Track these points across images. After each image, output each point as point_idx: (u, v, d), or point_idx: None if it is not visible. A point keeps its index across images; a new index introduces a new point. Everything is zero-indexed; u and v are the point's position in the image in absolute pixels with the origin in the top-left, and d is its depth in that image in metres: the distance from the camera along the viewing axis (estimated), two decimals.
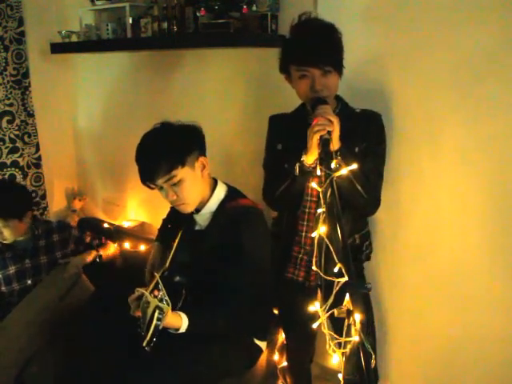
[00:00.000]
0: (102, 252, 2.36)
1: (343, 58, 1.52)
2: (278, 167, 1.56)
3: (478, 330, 1.78)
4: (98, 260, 2.32)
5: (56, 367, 1.85)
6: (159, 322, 1.28)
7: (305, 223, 1.65)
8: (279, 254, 1.71)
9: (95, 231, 2.53)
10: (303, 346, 1.88)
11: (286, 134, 1.63)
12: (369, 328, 1.77)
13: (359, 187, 1.46)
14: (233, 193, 1.69)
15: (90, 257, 2.30)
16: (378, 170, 1.59)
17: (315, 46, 1.45)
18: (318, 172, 1.36)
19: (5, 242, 2.18)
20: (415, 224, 1.86)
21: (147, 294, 1.33)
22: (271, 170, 1.68)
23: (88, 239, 2.41)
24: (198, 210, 1.66)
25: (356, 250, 1.69)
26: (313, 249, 1.53)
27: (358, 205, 1.54)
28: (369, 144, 1.55)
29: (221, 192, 1.67)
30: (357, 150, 1.53)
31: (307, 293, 1.66)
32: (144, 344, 1.27)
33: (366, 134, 1.56)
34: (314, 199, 1.61)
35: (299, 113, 1.66)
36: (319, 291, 1.64)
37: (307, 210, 1.64)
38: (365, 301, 1.75)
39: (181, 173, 1.53)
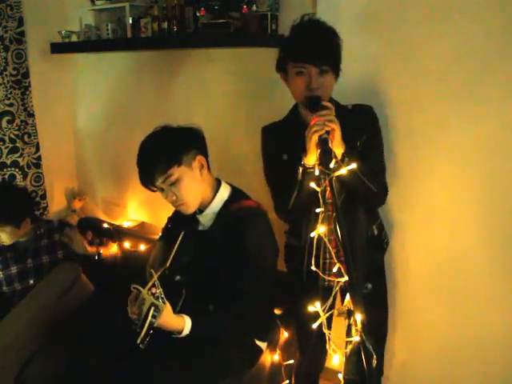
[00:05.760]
0: (102, 250, 2.36)
1: (341, 62, 1.52)
2: (284, 179, 1.53)
3: (479, 330, 1.78)
4: (97, 258, 2.32)
5: (56, 367, 1.85)
6: (154, 320, 1.28)
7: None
8: (305, 262, 1.63)
9: (95, 232, 2.52)
10: (319, 350, 1.79)
11: (286, 144, 1.58)
12: (383, 328, 1.77)
13: (367, 181, 1.48)
14: (237, 193, 1.69)
15: (91, 249, 2.31)
16: (379, 160, 1.63)
17: (315, 44, 1.47)
18: (317, 172, 1.36)
19: (3, 243, 2.18)
20: (413, 224, 1.86)
21: (144, 291, 1.34)
22: (278, 183, 1.64)
23: (89, 238, 2.41)
24: (201, 211, 1.66)
25: (376, 240, 1.70)
26: (337, 251, 1.53)
27: (369, 197, 1.58)
28: (367, 137, 1.57)
29: (224, 193, 1.67)
30: (358, 144, 1.55)
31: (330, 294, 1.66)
32: (138, 341, 1.28)
33: (363, 128, 1.58)
34: (330, 201, 1.58)
35: (293, 119, 1.64)
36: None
37: (326, 214, 1.61)
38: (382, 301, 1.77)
39: (177, 172, 1.54)
